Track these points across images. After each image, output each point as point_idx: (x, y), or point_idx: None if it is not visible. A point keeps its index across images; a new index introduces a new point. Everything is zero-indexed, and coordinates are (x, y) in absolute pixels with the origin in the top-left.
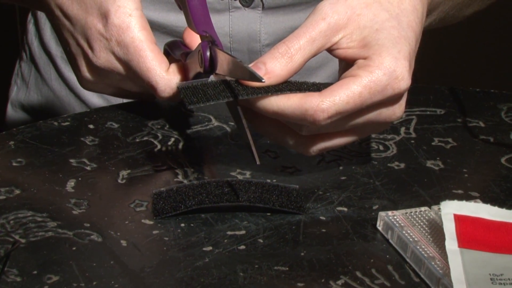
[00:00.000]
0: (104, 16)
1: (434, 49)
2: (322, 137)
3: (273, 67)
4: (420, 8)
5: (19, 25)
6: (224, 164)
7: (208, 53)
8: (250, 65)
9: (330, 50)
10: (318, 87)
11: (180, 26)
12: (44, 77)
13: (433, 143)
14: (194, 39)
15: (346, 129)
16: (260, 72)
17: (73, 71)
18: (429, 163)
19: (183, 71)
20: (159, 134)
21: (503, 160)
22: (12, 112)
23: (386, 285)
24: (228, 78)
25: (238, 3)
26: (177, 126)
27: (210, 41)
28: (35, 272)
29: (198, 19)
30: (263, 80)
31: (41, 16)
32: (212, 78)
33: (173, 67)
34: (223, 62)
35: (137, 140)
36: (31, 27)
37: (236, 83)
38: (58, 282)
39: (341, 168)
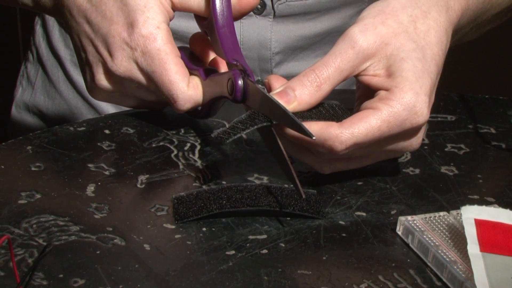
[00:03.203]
0: (131, 25)
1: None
2: (337, 159)
3: (302, 94)
4: (444, 40)
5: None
6: (241, 169)
7: (240, 83)
8: (278, 90)
9: (356, 76)
10: (337, 113)
11: (191, 32)
12: (51, 79)
13: (446, 149)
14: (203, 49)
15: (361, 155)
16: (289, 98)
17: (84, 79)
18: (443, 169)
19: (203, 87)
20: (174, 139)
21: None
22: (16, 113)
23: None
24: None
25: None
26: (192, 131)
27: (242, 70)
28: (61, 275)
29: (228, 47)
30: (313, 138)
31: (49, 18)
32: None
33: (193, 82)
34: (255, 96)
35: (153, 145)
36: (38, 29)
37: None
38: (84, 285)
39: (357, 173)
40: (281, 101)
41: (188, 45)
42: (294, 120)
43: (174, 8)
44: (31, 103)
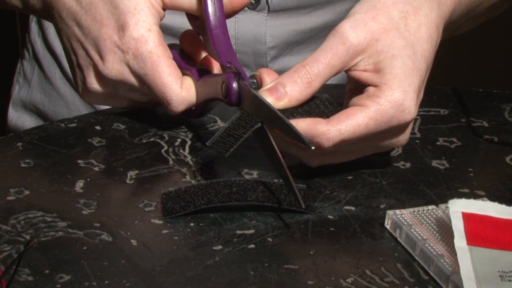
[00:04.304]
0: (122, 28)
1: (437, 50)
2: (325, 154)
3: (292, 91)
4: (435, 36)
5: (19, 23)
6: (231, 164)
7: (235, 86)
8: (268, 86)
9: (346, 71)
10: (327, 108)
11: (185, 28)
12: (48, 76)
13: (437, 143)
14: (194, 47)
15: (349, 150)
16: (280, 94)
17: (75, 82)
18: (434, 163)
19: (197, 88)
20: (165, 135)
21: (507, 159)
22: (13, 111)
23: (396, 282)
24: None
25: None
26: (183, 127)
27: (236, 73)
28: (47, 271)
29: (221, 49)
30: (312, 147)
31: None
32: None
33: (186, 84)
34: (249, 100)
35: (144, 141)
36: (33, 26)
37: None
38: (70, 281)
39: (347, 168)
40: (272, 98)
41: (177, 43)
42: (292, 128)
43: (165, 7)
44: (27, 101)
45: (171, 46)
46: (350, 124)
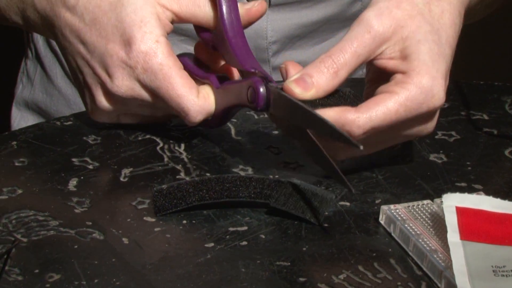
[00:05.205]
0: (128, 43)
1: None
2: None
3: (319, 81)
4: (458, 22)
5: None
6: (226, 160)
7: (263, 90)
8: (295, 77)
9: (371, 60)
10: (351, 100)
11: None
12: (49, 75)
13: (436, 137)
14: (210, 56)
15: (376, 140)
16: (307, 85)
17: (83, 102)
18: (432, 157)
19: (216, 96)
20: (161, 132)
21: (506, 152)
22: (16, 110)
23: (389, 278)
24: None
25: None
26: (180, 124)
27: (263, 77)
28: (36, 271)
29: (243, 57)
30: (361, 147)
31: None
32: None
33: (203, 92)
34: (280, 104)
35: (140, 138)
36: None
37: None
38: (59, 280)
39: (343, 162)
40: (299, 88)
41: (191, 52)
42: (334, 128)
43: (178, 19)
44: (30, 100)
45: (184, 55)
46: (380, 111)
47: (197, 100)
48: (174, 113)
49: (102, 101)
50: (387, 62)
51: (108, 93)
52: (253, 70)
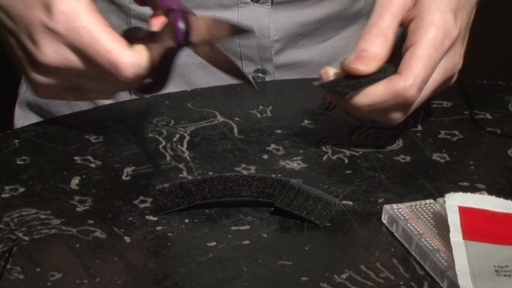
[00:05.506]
0: (48, 7)
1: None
2: (407, 104)
3: (375, 50)
4: None
5: None
6: (229, 159)
7: (180, 23)
8: (352, 58)
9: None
10: (390, 72)
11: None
12: None
13: (439, 136)
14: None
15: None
16: (367, 59)
17: (25, 80)
18: (435, 156)
19: (149, 49)
20: (163, 131)
21: (509, 152)
22: (19, 110)
23: (391, 278)
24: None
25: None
26: (182, 122)
27: (183, 10)
28: (38, 269)
29: None
30: (256, 88)
31: None
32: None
33: (135, 48)
34: (201, 28)
35: (142, 137)
36: None
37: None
38: (61, 279)
39: (346, 162)
40: (362, 65)
41: (141, 26)
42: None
43: None
44: (32, 100)
45: (134, 29)
46: (419, 63)
47: (128, 52)
48: (107, 72)
49: (34, 74)
50: (407, 17)
51: (36, 63)
52: (174, 7)
